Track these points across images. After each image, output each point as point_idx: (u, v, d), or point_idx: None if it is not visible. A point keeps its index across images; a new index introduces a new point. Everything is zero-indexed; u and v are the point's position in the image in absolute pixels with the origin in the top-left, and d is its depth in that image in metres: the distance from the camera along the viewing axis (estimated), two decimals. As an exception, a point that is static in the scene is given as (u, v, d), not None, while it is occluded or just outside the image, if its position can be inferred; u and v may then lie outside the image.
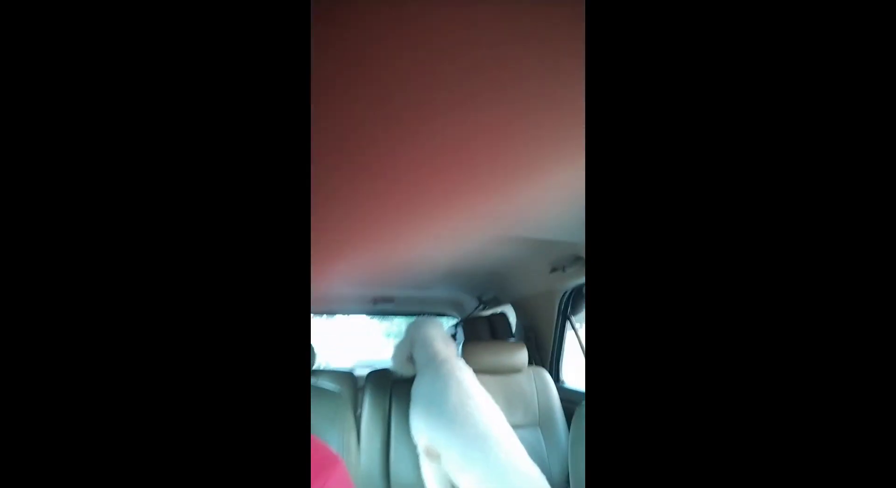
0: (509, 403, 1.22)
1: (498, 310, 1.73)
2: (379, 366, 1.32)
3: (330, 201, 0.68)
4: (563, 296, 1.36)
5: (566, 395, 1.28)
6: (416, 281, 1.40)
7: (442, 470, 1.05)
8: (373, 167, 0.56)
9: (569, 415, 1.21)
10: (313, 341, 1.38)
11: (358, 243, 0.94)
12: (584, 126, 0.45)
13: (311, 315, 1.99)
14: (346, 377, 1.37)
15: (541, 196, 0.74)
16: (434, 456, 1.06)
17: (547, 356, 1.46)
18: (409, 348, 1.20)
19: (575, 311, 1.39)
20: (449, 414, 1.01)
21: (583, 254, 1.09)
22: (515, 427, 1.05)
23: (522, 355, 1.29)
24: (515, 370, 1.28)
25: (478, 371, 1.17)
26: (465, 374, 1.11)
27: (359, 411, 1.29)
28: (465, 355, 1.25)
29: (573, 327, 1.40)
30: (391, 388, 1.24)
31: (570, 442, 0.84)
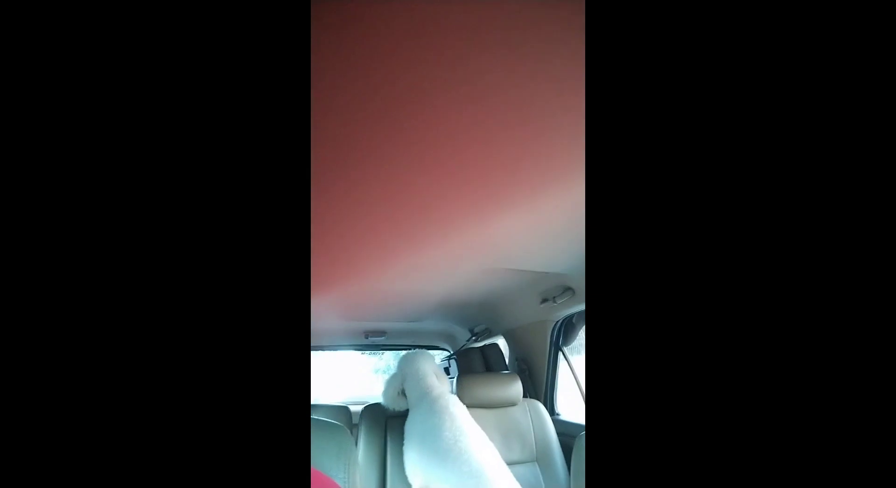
0: (505, 438, 1.20)
1: (490, 341, 1.73)
2: (371, 402, 1.30)
3: (324, 235, 0.69)
4: (555, 326, 1.37)
5: (563, 428, 1.27)
6: (407, 313, 1.40)
7: None
8: (364, 201, 0.57)
9: (566, 449, 1.20)
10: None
11: (350, 276, 0.95)
12: (574, 158, 0.47)
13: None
14: (342, 412, 1.34)
15: (531, 228, 0.77)
16: (429, 496, 1.03)
17: (541, 387, 1.45)
18: (401, 382, 1.19)
19: (567, 341, 1.40)
20: (443, 451, 0.99)
21: (572, 284, 1.12)
22: (513, 463, 1.04)
23: (517, 387, 1.28)
24: (510, 403, 1.27)
25: (472, 405, 1.16)
26: (458, 410, 1.10)
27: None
28: (459, 388, 1.24)
29: (565, 357, 1.40)
30: (386, 423, 1.21)
31: (572, 477, 0.83)
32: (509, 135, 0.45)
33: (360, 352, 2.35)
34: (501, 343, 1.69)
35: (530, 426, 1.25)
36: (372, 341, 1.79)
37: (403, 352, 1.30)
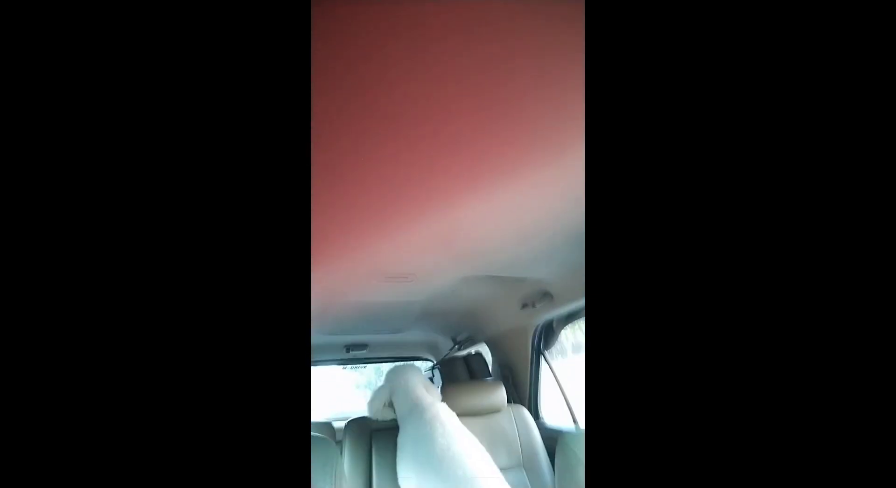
0: (492, 445, 1.20)
1: (473, 349, 1.74)
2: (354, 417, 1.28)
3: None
4: (535, 330, 1.39)
5: (548, 433, 1.28)
6: (389, 325, 1.40)
7: None
8: (343, 206, 0.57)
9: (551, 453, 1.21)
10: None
11: (330, 289, 0.94)
12: (553, 164, 0.47)
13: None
14: (326, 427, 1.31)
15: (510, 235, 0.79)
16: (421, 506, 1.02)
17: (525, 393, 1.46)
18: (389, 395, 1.18)
19: (547, 346, 1.43)
20: (436, 459, 0.99)
21: (551, 289, 1.15)
22: (500, 469, 1.04)
23: (501, 393, 1.29)
24: (495, 409, 1.28)
25: (459, 413, 1.16)
26: (448, 418, 1.10)
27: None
28: (445, 398, 1.24)
29: (547, 362, 1.42)
30: (371, 435, 1.19)
31: (557, 477, 0.84)
32: (491, 140, 0.45)
33: (341, 366, 2.31)
34: (484, 350, 1.70)
35: (515, 432, 1.26)
36: (353, 355, 1.76)
37: (386, 366, 1.29)
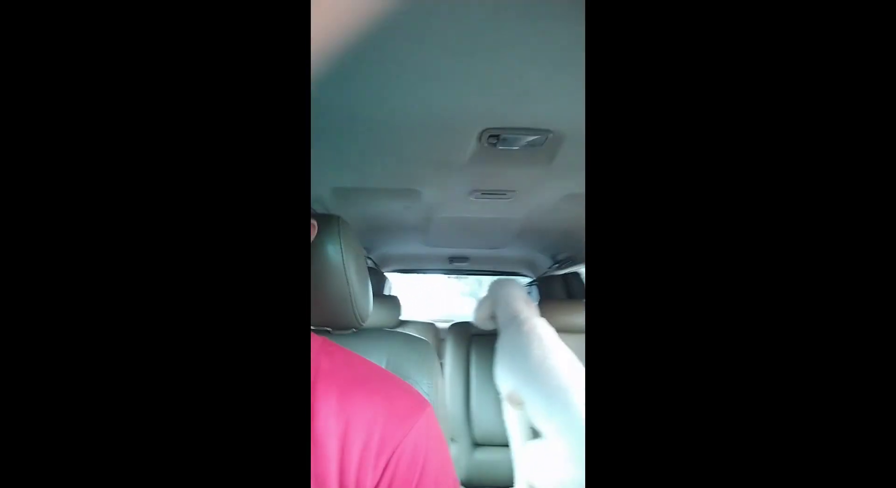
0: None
1: (572, 270, 1.70)
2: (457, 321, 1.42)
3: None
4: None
5: None
6: (487, 241, 1.43)
7: (525, 417, 1.12)
8: None
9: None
10: (399, 294, 1.51)
11: (429, 203, 0.98)
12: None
13: (397, 272, 2.14)
14: (430, 328, 1.48)
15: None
16: (517, 403, 1.13)
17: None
18: (492, 306, 1.26)
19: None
20: (532, 367, 1.07)
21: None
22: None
23: (599, 314, 1.27)
24: (591, 328, 1.28)
25: (555, 329, 1.20)
26: (545, 331, 1.14)
27: (441, 360, 1.41)
28: (543, 313, 1.27)
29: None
30: (470, 340, 1.32)
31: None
32: None
33: (448, 276, 2.51)
34: (584, 272, 1.66)
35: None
36: (456, 266, 1.88)
37: (488, 279, 1.35)
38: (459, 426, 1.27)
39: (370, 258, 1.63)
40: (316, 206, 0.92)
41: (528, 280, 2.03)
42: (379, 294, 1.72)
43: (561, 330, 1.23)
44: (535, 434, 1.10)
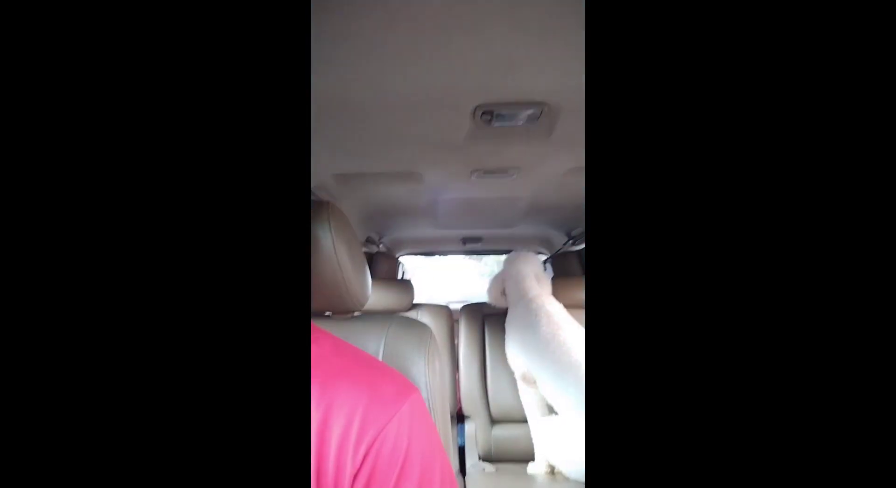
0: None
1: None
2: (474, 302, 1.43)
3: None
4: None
5: None
6: (497, 220, 1.41)
7: (539, 394, 1.13)
8: None
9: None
10: (415, 278, 1.52)
11: (431, 185, 0.97)
12: None
13: (411, 255, 2.16)
14: (442, 310, 1.50)
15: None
16: (530, 381, 1.14)
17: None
18: (503, 283, 1.26)
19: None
20: (542, 344, 1.06)
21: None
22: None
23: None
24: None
25: (568, 306, 1.18)
26: (554, 308, 1.13)
27: (456, 340, 1.42)
28: (555, 290, 1.26)
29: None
30: (483, 320, 1.33)
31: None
32: None
33: (466, 257, 2.51)
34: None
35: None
36: (470, 247, 1.88)
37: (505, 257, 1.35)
38: (476, 404, 1.29)
39: (381, 243, 1.65)
40: (321, 193, 0.92)
41: (544, 257, 2.01)
42: (392, 278, 1.74)
43: (573, 306, 1.21)
44: (552, 410, 1.10)
